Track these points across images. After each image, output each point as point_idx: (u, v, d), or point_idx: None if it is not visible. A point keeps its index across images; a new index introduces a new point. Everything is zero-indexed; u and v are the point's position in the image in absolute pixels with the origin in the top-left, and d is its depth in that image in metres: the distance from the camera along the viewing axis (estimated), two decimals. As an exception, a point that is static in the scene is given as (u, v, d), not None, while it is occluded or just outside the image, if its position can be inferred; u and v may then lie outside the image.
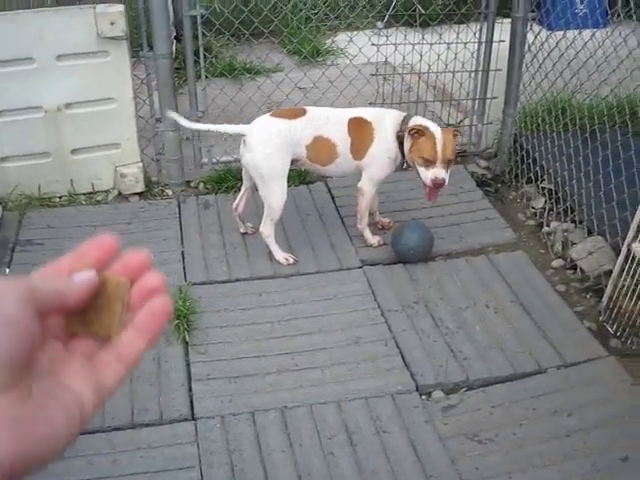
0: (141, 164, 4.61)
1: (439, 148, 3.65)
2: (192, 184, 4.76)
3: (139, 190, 4.62)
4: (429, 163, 3.67)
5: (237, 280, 3.88)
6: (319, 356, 3.40)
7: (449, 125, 5.08)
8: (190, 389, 3.24)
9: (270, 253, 3.99)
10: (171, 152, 4.66)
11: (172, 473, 2.88)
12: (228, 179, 4.64)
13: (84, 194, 4.62)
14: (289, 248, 4.05)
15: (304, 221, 4.35)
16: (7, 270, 3.96)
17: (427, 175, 3.69)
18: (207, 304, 3.70)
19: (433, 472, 2.86)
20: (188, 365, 3.36)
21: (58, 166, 4.52)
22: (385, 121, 3.86)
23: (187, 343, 3.47)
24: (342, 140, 3.84)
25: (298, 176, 4.62)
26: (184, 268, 3.98)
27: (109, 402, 2.88)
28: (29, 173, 4.49)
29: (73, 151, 4.50)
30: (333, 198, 4.55)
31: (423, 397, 3.21)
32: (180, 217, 4.42)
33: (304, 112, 3.87)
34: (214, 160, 4.76)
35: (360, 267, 3.98)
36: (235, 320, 3.61)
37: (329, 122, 3.84)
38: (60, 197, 4.59)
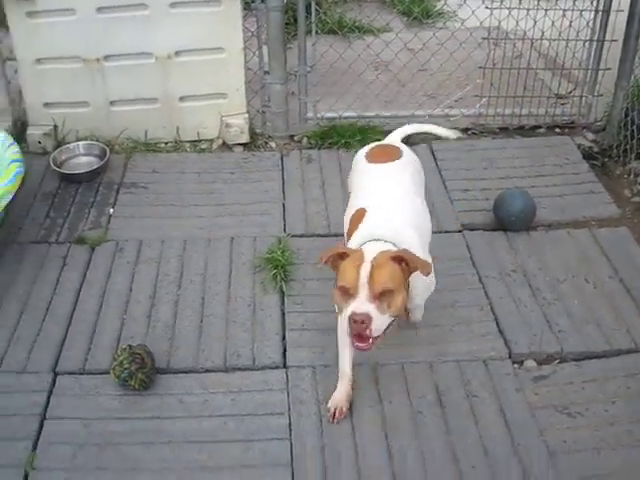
0: (247, 115, 4.64)
1: (363, 273, 2.54)
2: (296, 138, 4.78)
3: (243, 141, 4.66)
4: (348, 296, 2.57)
5: (336, 235, 3.88)
6: (414, 316, 3.40)
7: (558, 96, 4.97)
8: (284, 338, 3.30)
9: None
10: (277, 105, 4.69)
11: (261, 418, 2.95)
12: (332, 135, 4.64)
13: (189, 141, 4.69)
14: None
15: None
16: (112, 210, 4.06)
17: (346, 313, 2.57)
18: (305, 256, 3.74)
19: (521, 441, 2.86)
20: (283, 314, 3.42)
21: (165, 113, 4.59)
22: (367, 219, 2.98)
23: (283, 293, 3.52)
24: None
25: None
26: (284, 220, 4.03)
27: (203, 343, 2.93)
28: (136, 118, 4.58)
29: (181, 98, 4.57)
30: (436, 161, 4.50)
31: (515, 365, 3.20)
32: (283, 170, 4.45)
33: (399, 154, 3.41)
34: (319, 115, 4.77)
35: (460, 231, 3.95)
36: (332, 274, 3.61)
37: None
38: (166, 143, 4.68)
